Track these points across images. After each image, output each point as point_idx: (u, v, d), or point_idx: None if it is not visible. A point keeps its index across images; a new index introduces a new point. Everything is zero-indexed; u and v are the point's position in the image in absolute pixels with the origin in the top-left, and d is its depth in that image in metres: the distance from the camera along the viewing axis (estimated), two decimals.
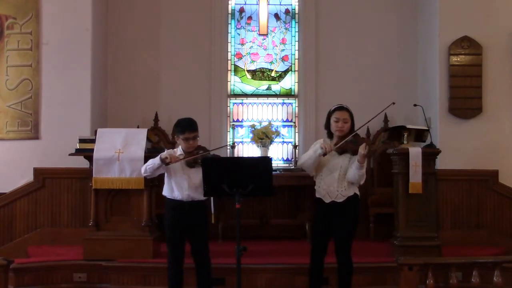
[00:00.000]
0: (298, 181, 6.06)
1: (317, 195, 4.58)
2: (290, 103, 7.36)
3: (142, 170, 4.69)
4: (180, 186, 4.51)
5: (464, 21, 6.42)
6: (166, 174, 4.59)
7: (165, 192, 4.62)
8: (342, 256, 4.53)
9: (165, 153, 4.50)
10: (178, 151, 4.59)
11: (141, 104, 7.03)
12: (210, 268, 4.63)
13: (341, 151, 4.47)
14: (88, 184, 5.65)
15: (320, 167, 4.55)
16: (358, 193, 4.56)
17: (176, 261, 4.57)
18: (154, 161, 4.51)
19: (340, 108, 4.56)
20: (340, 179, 4.47)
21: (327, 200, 4.51)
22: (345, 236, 4.51)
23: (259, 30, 7.35)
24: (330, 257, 4.62)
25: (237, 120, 7.30)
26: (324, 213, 4.55)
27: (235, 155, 6.93)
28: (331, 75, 7.17)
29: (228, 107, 7.28)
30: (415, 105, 6.30)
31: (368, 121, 4.56)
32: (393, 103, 4.56)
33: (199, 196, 4.47)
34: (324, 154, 4.39)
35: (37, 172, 6.21)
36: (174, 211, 4.56)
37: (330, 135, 4.62)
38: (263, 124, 6.94)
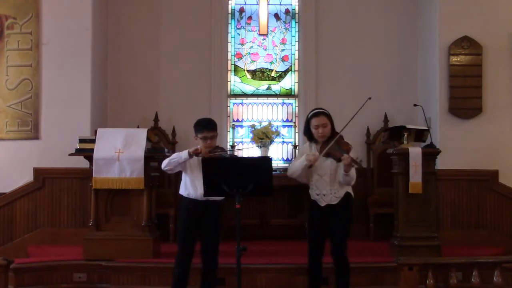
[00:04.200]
0: (298, 181, 6.07)
1: (312, 198, 4.61)
2: (290, 103, 7.35)
3: (164, 164, 4.59)
4: (195, 185, 4.51)
5: (464, 21, 6.42)
6: (183, 173, 4.60)
7: (181, 190, 4.63)
8: (338, 256, 4.54)
9: (193, 148, 4.46)
10: None
11: (141, 104, 7.02)
12: (217, 268, 4.64)
13: (327, 155, 4.50)
14: (88, 184, 5.65)
15: (310, 173, 4.59)
16: (351, 191, 4.58)
17: (185, 260, 4.56)
18: (181, 155, 4.47)
19: (317, 114, 4.58)
20: (331, 182, 4.50)
21: (322, 204, 4.54)
22: (341, 236, 4.53)
23: (259, 30, 7.34)
24: (328, 257, 4.62)
25: (237, 120, 7.30)
26: (319, 215, 4.57)
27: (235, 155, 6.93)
28: (331, 75, 7.17)
29: (228, 107, 7.27)
30: (415, 105, 6.29)
31: (348, 122, 4.56)
32: (369, 98, 4.61)
33: (217, 196, 4.47)
34: (310, 166, 4.46)
35: (37, 172, 6.21)
36: (189, 210, 4.56)
37: (310, 139, 4.65)
38: (263, 124, 6.94)
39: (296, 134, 7.27)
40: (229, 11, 7.31)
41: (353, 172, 4.41)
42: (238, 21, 7.36)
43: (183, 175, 4.62)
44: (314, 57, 7.19)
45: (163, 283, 5.04)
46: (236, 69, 7.35)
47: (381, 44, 7.17)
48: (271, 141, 6.78)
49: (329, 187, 4.49)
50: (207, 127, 4.54)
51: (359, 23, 7.18)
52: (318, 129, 4.52)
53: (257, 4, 7.34)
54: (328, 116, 4.58)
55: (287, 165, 7.08)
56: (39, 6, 6.31)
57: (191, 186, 4.54)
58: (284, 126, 7.27)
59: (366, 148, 7.02)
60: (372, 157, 6.97)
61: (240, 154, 7.14)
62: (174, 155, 4.57)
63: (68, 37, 6.31)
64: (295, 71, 7.35)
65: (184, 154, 4.48)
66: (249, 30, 7.36)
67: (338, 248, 4.53)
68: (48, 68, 6.30)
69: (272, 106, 7.34)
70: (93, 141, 5.55)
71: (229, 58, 7.30)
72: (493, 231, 6.31)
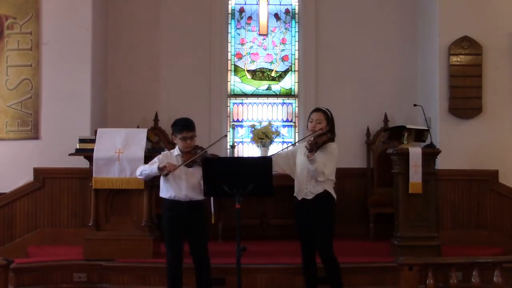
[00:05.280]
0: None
1: (294, 194, 4.69)
2: (290, 103, 7.35)
3: (137, 173, 4.66)
4: (178, 186, 4.51)
5: (464, 21, 6.42)
6: (162, 176, 4.57)
7: (162, 193, 4.61)
8: (322, 255, 4.57)
9: (163, 162, 4.46)
10: (176, 151, 4.59)
11: (141, 104, 7.02)
12: (209, 268, 4.63)
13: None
14: (88, 184, 5.65)
15: (296, 167, 4.66)
16: (330, 190, 4.57)
17: (175, 261, 4.57)
18: (152, 169, 4.49)
19: (316, 110, 4.71)
20: (309, 177, 4.54)
21: (299, 197, 4.61)
22: (322, 237, 4.55)
23: (259, 30, 7.34)
24: None
25: (237, 120, 7.30)
26: (298, 211, 4.65)
27: (235, 155, 6.93)
28: (331, 75, 7.17)
29: (228, 107, 7.27)
30: (415, 105, 6.29)
31: (285, 147, 4.59)
32: (225, 136, 4.66)
33: (197, 195, 4.47)
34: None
35: (37, 172, 6.21)
36: (172, 211, 4.55)
37: None
38: (263, 124, 6.94)
39: (296, 134, 7.26)
40: (229, 11, 7.31)
41: (318, 163, 4.39)
42: (238, 21, 7.36)
43: (163, 178, 4.58)
44: (314, 57, 7.19)
45: (163, 283, 5.02)
46: (236, 69, 7.35)
47: (381, 44, 7.16)
48: (271, 141, 6.78)
49: (306, 181, 4.54)
50: (186, 127, 4.52)
51: (359, 23, 7.18)
52: (312, 123, 4.60)
53: (257, 4, 7.34)
54: (327, 115, 4.61)
55: None
56: (39, 6, 6.31)
57: (172, 189, 4.52)
58: (284, 126, 7.27)
59: (366, 148, 7.02)
60: (372, 157, 6.97)
61: (240, 154, 7.14)
62: (146, 167, 4.57)
63: (68, 37, 6.31)
64: (295, 71, 7.35)
65: (154, 169, 4.47)
66: (249, 30, 7.36)
67: (321, 249, 4.56)
68: (48, 68, 6.30)
69: (272, 106, 7.34)
70: (93, 141, 5.55)
71: (229, 58, 7.30)
72: (493, 231, 6.31)
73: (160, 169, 4.42)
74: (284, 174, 4.81)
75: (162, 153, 4.70)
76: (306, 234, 4.62)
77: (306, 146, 4.42)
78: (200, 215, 4.60)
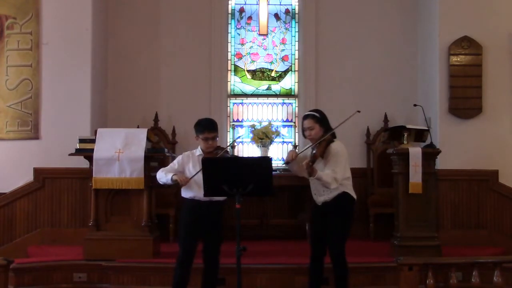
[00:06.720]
0: (298, 181, 6.01)
1: (312, 195, 4.68)
2: (290, 103, 7.35)
3: (157, 177, 4.63)
4: (198, 186, 4.49)
5: (464, 21, 6.42)
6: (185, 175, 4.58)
7: (184, 193, 4.61)
8: (333, 257, 4.54)
9: (176, 176, 4.46)
10: (198, 151, 4.59)
11: (141, 104, 7.02)
12: (218, 269, 4.64)
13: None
14: (88, 184, 5.65)
15: None
16: (348, 190, 4.55)
17: (186, 261, 4.56)
18: (168, 178, 4.49)
19: (305, 117, 4.66)
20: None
21: (318, 202, 4.60)
22: (335, 238, 4.52)
23: (259, 30, 7.34)
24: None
25: (237, 120, 7.30)
26: (317, 213, 4.62)
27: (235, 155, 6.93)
28: (331, 75, 7.17)
29: (228, 107, 7.27)
30: (415, 105, 6.29)
31: (332, 130, 4.54)
32: (358, 111, 4.60)
33: (217, 196, 4.47)
34: (287, 163, 4.54)
35: (37, 172, 6.22)
36: (192, 211, 4.55)
37: None
38: (263, 124, 6.93)
39: (296, 134, 7.26)
40: (229, 11, 7.31)
41: (326, 176, 4.36)
42: (238, 21, 7.36)
43: None
44: (314, 57, 7.19)
45: (163, 283, 5.03)
46: (236, 69, 7.35)
47: (381, 44, 7.17)
48: (271, 141, 6.77)
49: (320, 186, 4.52)
50: (208, 127, 4.53)
51: (359, 23, 7.18)
52: (306, 132, 4.60)
53: (257, 4, 7.34)
54: (315, 118, 4.57)
55: None
56: (39, 6, 6.31)
57: (192, 189, 4.52)
58: (284, 126, 7.27)
59: (366, 148, 7.02)
60: (372, 157, 6.97)
61: (240, 154, 7.14)
62: (162, 177, 4.54)
63: (68, 37, 6.31)
64: (295, 71, 7.35)
65: (169, 180, 4.49)
66: (249, 30, 7.36)
67: (332, 251, 4.54)
68: (48, 68, 6.30)
69: (272, 106, 7.34)
70: (93, 141, 5.54)
71: (229, 58, 7.30)
72: (493, 231, 6.31)
73: (174, 180, 4.46)
74: (283, 175, 4.80)
75: (183, 153, 4.69)
76: (319, 235, 4.59)
77: (306, 168, 4.36)
78: (219, 216, 4.62)
